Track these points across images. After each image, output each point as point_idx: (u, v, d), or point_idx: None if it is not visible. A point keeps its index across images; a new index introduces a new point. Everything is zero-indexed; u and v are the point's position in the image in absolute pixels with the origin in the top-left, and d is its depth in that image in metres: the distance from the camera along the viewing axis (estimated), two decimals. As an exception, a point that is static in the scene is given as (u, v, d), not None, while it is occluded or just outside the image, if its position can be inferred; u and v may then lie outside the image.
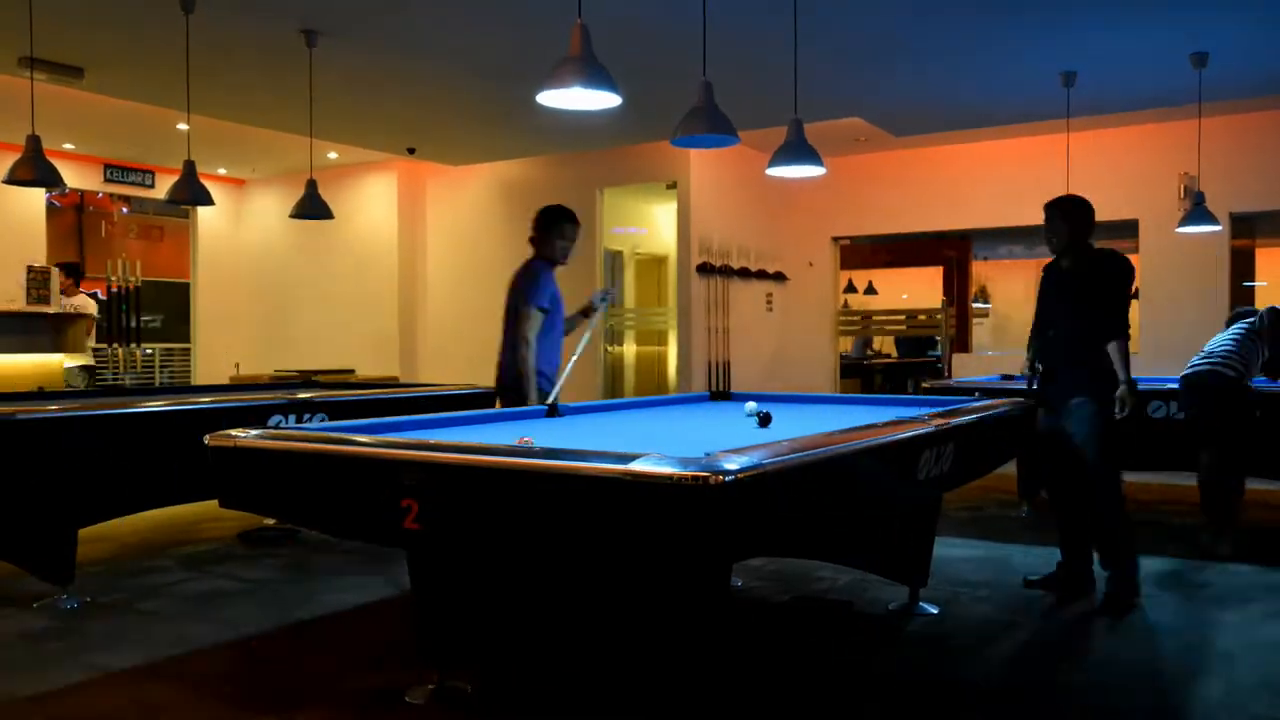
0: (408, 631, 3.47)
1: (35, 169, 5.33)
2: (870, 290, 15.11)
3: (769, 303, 10.64)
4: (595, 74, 3.54)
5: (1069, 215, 4.31)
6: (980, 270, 15.08)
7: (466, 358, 10.42)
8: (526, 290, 4.66)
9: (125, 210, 11.08)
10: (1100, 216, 9.10)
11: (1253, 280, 10.38)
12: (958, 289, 12.53)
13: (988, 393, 5.40)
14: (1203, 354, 5.32)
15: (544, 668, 3.18)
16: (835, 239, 10.70)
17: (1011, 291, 15.60)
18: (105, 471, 4.34)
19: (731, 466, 2.07)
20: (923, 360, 13.02)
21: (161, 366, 11.24)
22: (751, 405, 3.80)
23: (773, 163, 4.88)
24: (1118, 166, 8.99)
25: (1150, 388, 5.77)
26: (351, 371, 10.16)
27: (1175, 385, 5.75)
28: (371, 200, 10.90)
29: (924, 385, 6.48)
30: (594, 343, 10.03)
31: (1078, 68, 6.72)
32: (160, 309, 11.29)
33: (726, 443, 2.55)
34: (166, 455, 4.47)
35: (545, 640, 2.81)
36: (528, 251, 4.90)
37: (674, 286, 10.02)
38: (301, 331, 11.32)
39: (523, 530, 2.37)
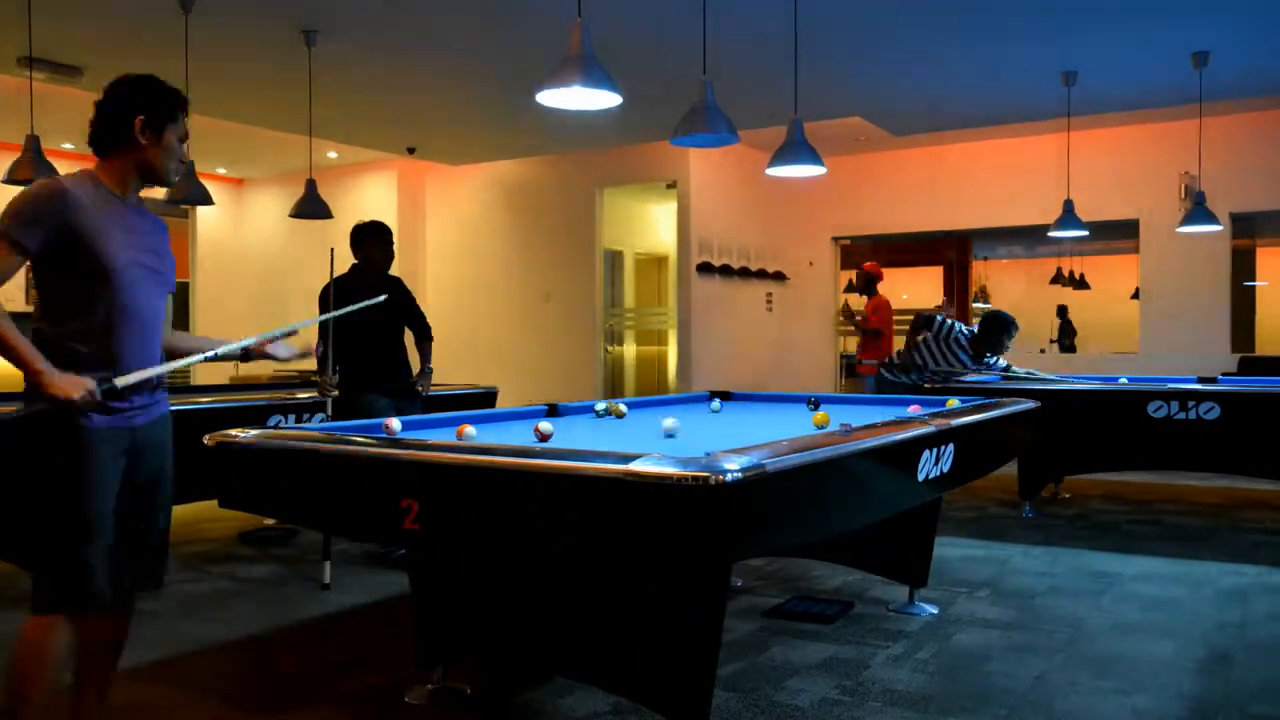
0: (408, 630, 3.47)
1: (34, 168, 5.33)
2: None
3: (769, 303, 10.64)
4: (595, 73, 3.54)
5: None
6: (980, 270, 15.08)
7: (466, 357, 10.42)
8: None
9: (125, 210, 11.08)
10: (1100, 216, 9.19)
11: (1253, 280, 10.38)
12: (958, 289, 12.53)
13: (988, 392, 5.40)
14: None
15: (543, 668, 3.17)
16: (835, 239, 10.70)
17: (1012, 291, 15.60)
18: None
19: (732, 466, 2.07)
20: None
21: (161, 366, 11.24)
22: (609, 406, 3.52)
23: (773, 163, 4.87)
24: (1118, 166, 8.99)
25: (1150, 388, 5.78)
26: (351, 371, 10.14)
27: (1176, 385, 5.76)
28: (371, 200, 10.90)
29: (924, 385, 6.48)
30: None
31: (1078, 68, 6.72)
32: (160, 309, 11.28)
33: (727, 443, 2.54)
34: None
35: (544, 640, 2.81)
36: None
37: (674, 286, 10.02)
38: (301, 331, 11.30)
39: (522, 530, 2.36)
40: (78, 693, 2.60)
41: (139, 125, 2.52)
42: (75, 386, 2.31)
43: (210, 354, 2.74)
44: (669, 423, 3.20)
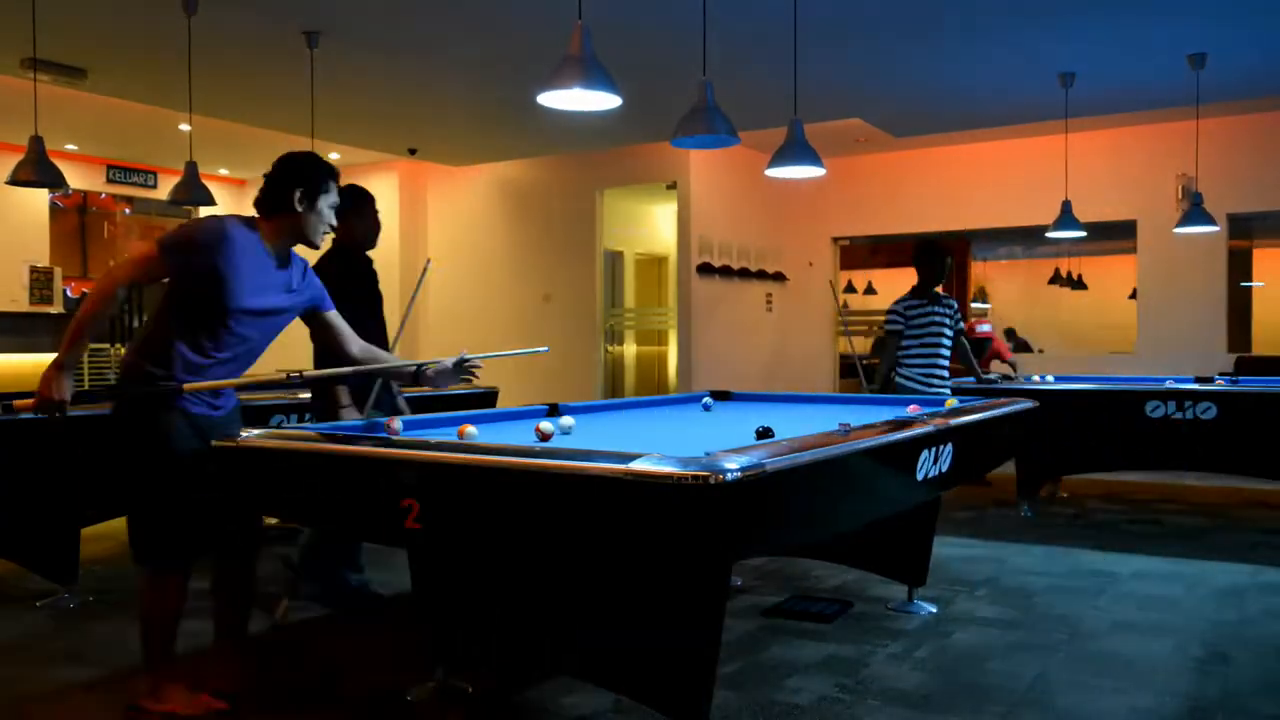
0: (408, 631, 3.49)
1: (38, 170, 5.35)
2: (870, 290, 15.11)
3: (769, 303, 10.65)
4: (595, 74, 3.56)
5: None
6: (980, 270, 15.08)
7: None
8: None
9: (128, 211, 11.09)
10: (1098, 217, 9.18)
11: (1250, 280, 10.39)
12: (957, 289, 12.54)
13: (987, 393, 5.42)
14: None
15: (544, 667, 3.19)
16: (835, 239, 10.71)
17: (1011, 291, 15.60)
18: (108, 471, 4.35)
19: (732, 466, 2.08)
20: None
21: (162, 366, 11.25)
22: (567, 421, 3.27)
23: (773, 163, 4.89)
24: (1116, 167, 9.00)
25: (1149, 388, 5.79)
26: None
27: (1174, 386, 5.78)
28: (372, 200, 10.90)
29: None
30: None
31: (1076, 68, 6.73)
32: (161, 309, 11.29)
33: (727, 443, 2.56)
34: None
35: (545, 639, 2.83)
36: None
37: (674, 286, 10.03)
38: (302, 332, 11.30)
39: (523, 530, 2.38)
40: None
41: (297, 196, 2.92)
42: (55, 392, 2.74)
43: (372, 369, 3.20)
44: (567, 420, 3.23)
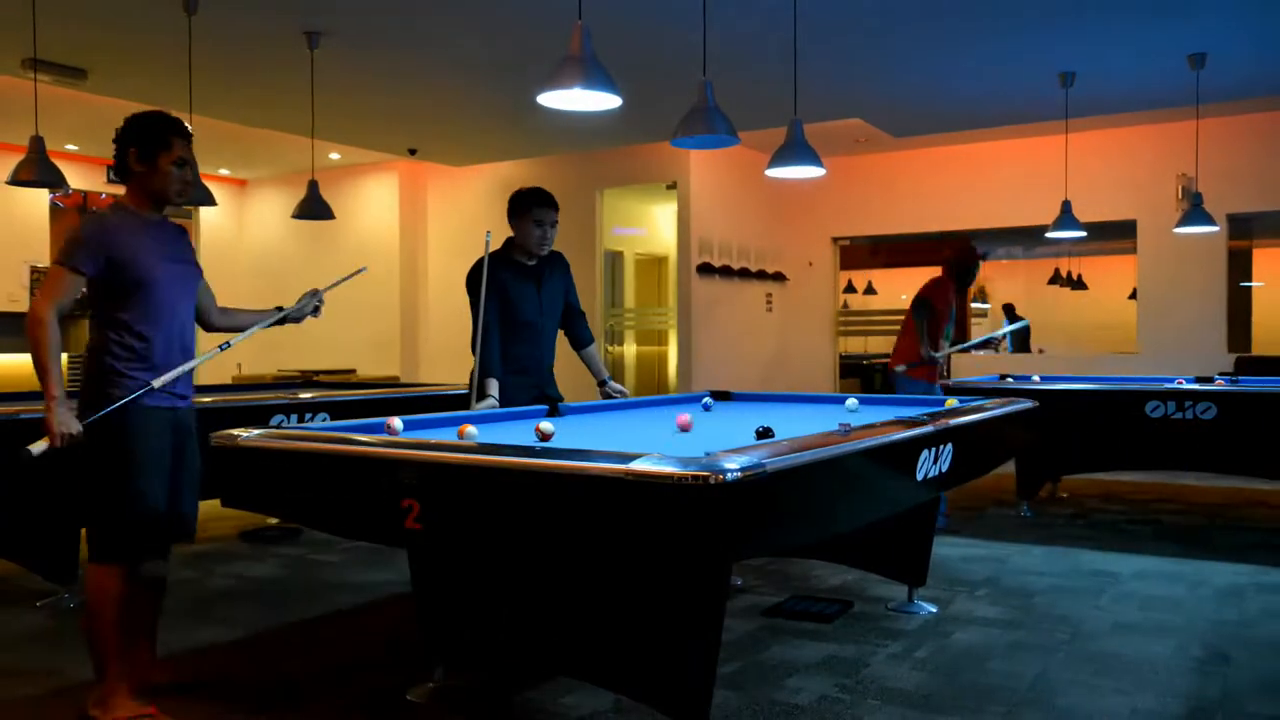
0: (408, 630, 3.49)
1: (39, 170, 5.36)
2: (870, 290, 15.12)
3: (769, 303, 10.65)
4: (595, 74, 3.56)
5: None
6: (980, 270, 15.04)
7: (467, 358, 10.42)
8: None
9: (126, 210, 11.09)
10: (1098, 217, 9.19)
11: (1250, 280, 10.40)
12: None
13: (987, 392, 5.42)
14: None
15: (545, 666, 3.19)
16: (835, 239, 10.71)
17: (1011, 291, 15.60)
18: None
19: (732, 466, 2.08)
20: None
21: (162, 366, 11.25)
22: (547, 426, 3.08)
23: (773, 163, 4.89)
24: (1116, 167, 9.01)
25: (1149, 388, 5.79)
26: (352, 371, 10.17)
27: (1174, 385, 5.78)
28: (373, 201, 10.91)
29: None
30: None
31: (1076, 68, 6.73)
32: (161, 309, 11.30)
33: (727, 443, 2.56)
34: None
35: (546, 639, 2.83)
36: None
37: (674, 286, 10.03)
38: (303, 332, 11.30)
39: (523, 530, 2.38)
40: (133, 645, 2.98)
41: (133, 156, 2.89)
42: (64, 425, 2.74)
43: (254, 329, 3.28)
44: (546, 426, 3.10)
